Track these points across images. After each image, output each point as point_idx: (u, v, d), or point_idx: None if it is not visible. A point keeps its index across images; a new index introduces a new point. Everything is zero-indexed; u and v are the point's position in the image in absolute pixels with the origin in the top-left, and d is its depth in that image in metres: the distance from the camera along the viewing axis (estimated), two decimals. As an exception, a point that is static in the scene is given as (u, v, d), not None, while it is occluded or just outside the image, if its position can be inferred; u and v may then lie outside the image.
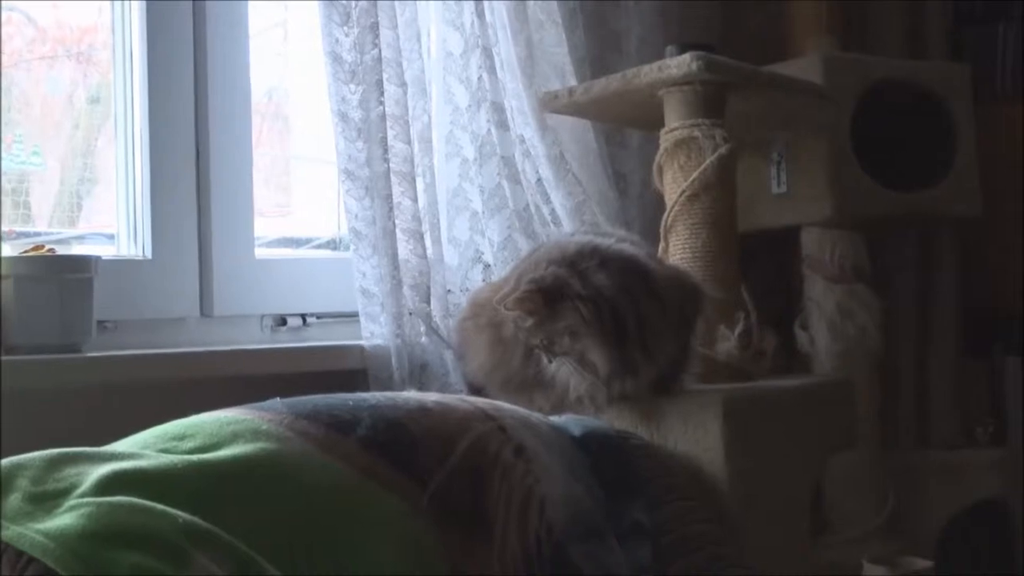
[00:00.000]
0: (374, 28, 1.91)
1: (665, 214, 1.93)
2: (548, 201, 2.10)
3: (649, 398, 1.65)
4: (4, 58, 1.78)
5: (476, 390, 1.73)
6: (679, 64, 1.87)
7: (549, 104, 2.08)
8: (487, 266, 2.10)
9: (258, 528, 1.11)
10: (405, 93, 1.97)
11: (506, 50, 2.08)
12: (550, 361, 1.62)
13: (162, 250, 1.88)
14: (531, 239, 2.08)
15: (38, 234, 1.85)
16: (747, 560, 1.54)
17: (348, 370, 1.89)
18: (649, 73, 1.92)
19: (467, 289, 2.08)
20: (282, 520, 1.14)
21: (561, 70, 2.15)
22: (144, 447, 1.19)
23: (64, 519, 1.00)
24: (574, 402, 1.63)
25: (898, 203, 2.28)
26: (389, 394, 1.42)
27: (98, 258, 1.72)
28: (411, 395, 1.43)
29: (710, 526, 1.53)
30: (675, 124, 1.92)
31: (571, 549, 1.34)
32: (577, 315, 1.55)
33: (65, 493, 1.05)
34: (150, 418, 1.29)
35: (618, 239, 1.68)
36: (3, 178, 1.79)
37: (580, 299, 1.55)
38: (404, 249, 1.94)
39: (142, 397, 1.67)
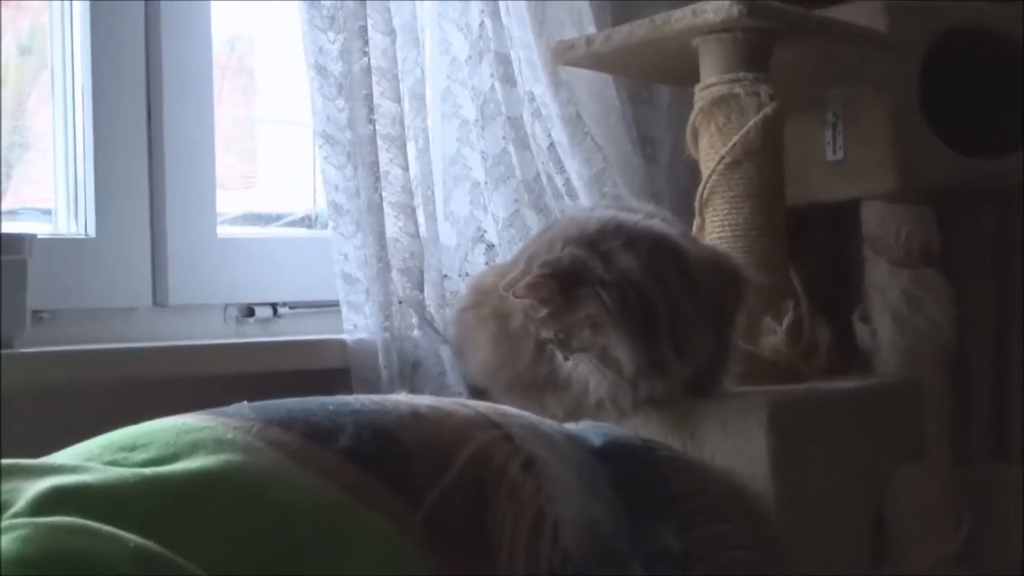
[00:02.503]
0: (357, -35, 1.91)
1: (701, 185, 1.93)
2: (562, 170, 2.10)
3: (682, 402, 1.65)
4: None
5: (478, 392, 1.73)
6: (717, 8, 1.86)
7: (563, 55, 2.08)
8: (491, 246, 2.10)
9: (221, 554, 1.11)
10: (393, 42, 1.96)
11: (513, -9, 2.08)
12: (566, 358, 1.62)
13: (108, 228, 1.88)
14: (542, 214, 2.08)
15: (-40, 209, 1.86)
16: (797, 593, 1.55)
17: (327, 369, 1.89)
18: (682, 19, 1.91)
19: (467, 273, 2.08)
20: (249, 545, 1.14)
21: (578, 15, 2.14)
22: (88, 459, 1.19)
23: (-5, 543, 1.00)
24: (594, 406, 1.63)
25: (974, 172, 2.27)
26: (376, 397, 1.42)
27: (32, 237, 1.72)
28: (401, 398, 1.43)
29: (752, 553, 1.54)
30: (712, 79, 1.92)
31: (589, 579, 1.34)
32: (599, 303, 1.55)
33: (-5, 513, 1.05)
34: (95, 424, 1.29)
35: (646, 215, 1.68)
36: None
37: (602, 285, 1.55)
38: (393, 226, 1.94)
39: (85, 400, 1.67)
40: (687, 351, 1.61)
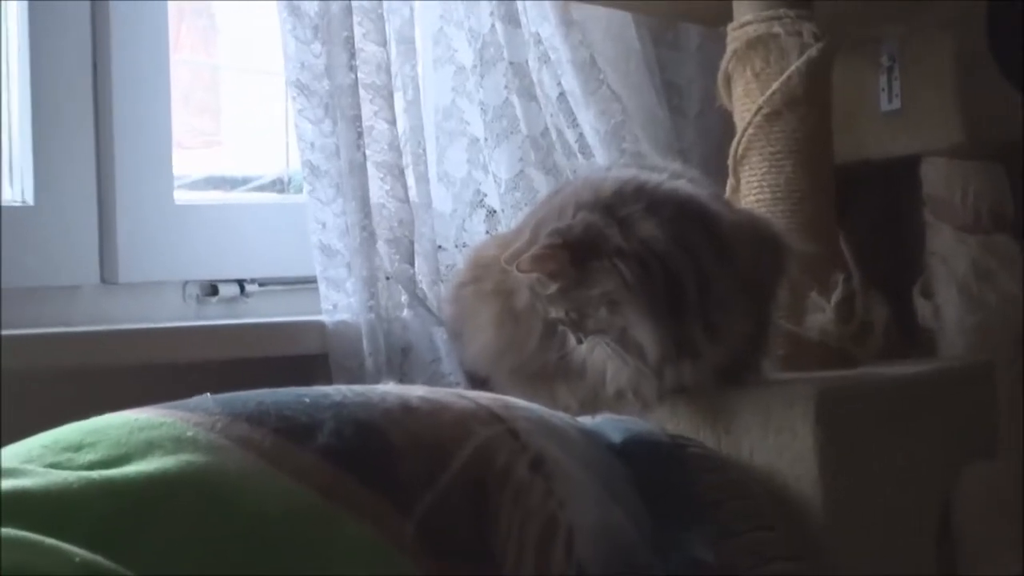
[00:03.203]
0: None
1: (735, 140, 1.93)
2: (574, 123, 2.10)
3: (715, 391, 1.65)
4: None
5: (478, 381, 1.74)
6: (753, -66, 1.87)
7: (575, -10, 2.08)
8: (491, 212, 2.10)
9: (181, 568, 1.11)
10: (378, -25, 1.97)
11: (515, -84, 2.08)
12: (580, 341, 1.62)
13: (48, 194, 1.88)
14: (551, 175, 2.08)
15: None
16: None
17: (303, 355, 1.90)
18: (713, -53, 1.92)
19: (465, 244, 2.09)
20: (213, 558, 1.14)
21: (591, -56, 2.14)
22: (27, 460, 1.18)
23: (-81, 559, 1.00)
24: (612, 397, 1.64)
25: (1053, 123, 2.27)
26: (359, 388, 1.41)
27: (-40, 205, 1.73)
28: (390, 389, 1.42)
29: (798, 565, 1.54)
30: (748, 17, 1.91)
31: (609, 597, 1.34)
32: (616, 278, 1.55)
33: (-80, 524, 1.05)
34: (35, 420, 1.29)
35: (671, 175, 1.68)
36: None
37: (620, 256, 1.55)
38: (378, 190, 1.94)
39: (23, 392, 1.67)
40: (720, 332, 1.61)
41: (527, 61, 2.11)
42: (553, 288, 1.59)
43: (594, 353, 1.63)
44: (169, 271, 1.98)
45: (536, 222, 1.64)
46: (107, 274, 1.92)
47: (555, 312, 1.61)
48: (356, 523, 1.22)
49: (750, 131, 1.91)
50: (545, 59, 2.10)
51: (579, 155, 2.10)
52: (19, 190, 1.88)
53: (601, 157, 2.08)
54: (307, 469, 1.23)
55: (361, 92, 1.92)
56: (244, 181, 2.18)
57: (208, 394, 1.33)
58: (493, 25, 2.10)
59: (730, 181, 1.93)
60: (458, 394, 1.47)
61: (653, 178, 1.65)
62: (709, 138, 2.23)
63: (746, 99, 1.92)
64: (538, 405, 1.51)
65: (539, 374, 1.68)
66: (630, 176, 1.65)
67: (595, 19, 2.15)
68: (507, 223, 2.05)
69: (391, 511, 1.25)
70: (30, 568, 1.00)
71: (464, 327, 1.78)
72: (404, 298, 1.96)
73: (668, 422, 1.64)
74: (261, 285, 2.05)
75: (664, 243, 1.57)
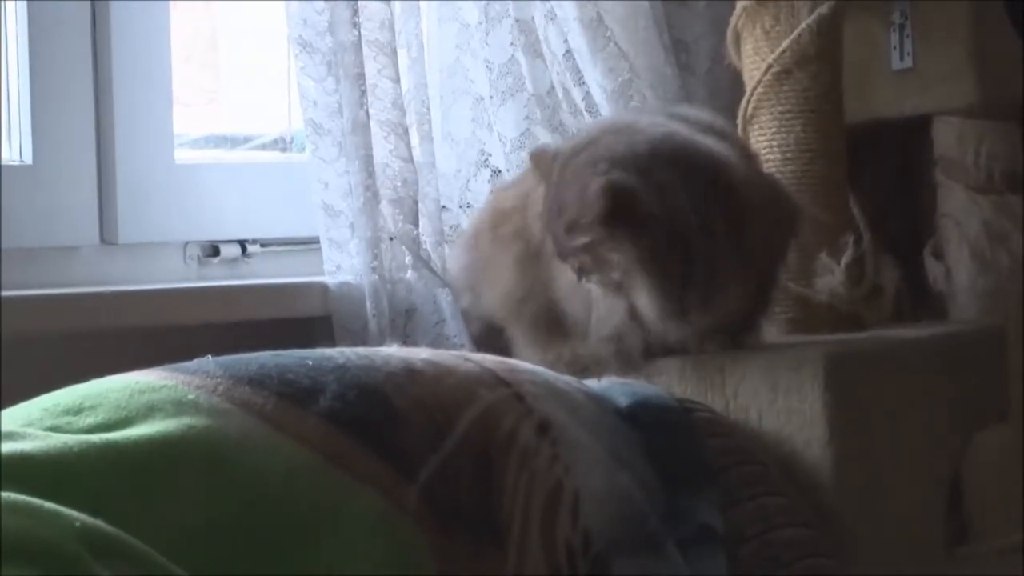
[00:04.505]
0: None
1: (744, 99, 1.93)
2: (581, 81, 2.09)
3: (719, 353, 1.65)
4: None
5: (489, 336, 1.74)
6: None
7: (582, -55, 2.07)
8: (496, 172, 2.10)
9: (183, 533, 1.11)
10: (381, -71, 1.96)
11: None
12: (580, 280, 1.62)
13: (47, 153, 1.88)
14: (557, 134, 2.08)
15: None
16: (858, 577, 1.55)
17: (305, 317, 1.90)
18: (721, -101, 1.91)
19: (469, 204, 2.08)
20: (216, 522, 1.14)
21: None
22: (27, 424, 1.19)
23: (-82, 523, 1.00)
24: (596, 343, 1.65)
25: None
26: (363, 350, 1.42)
27: (-43, 164, 1.72)
28: (393, 352, 1.43)
29: (806, 531, 1.54)
30: (758, -29, 1.91)
31: (616, 564, 1.35)
32: (642, 248, 1.55)
33: (-81, 488, 1.05)
34: (34, 383, 1.29)
35: (700, 127, 1.67)
36: None
37: (650, 226, 1.55)
38: (382, 149, 1.94)
39: (21, 354, 1.67)
40: (713, 303, 1.62)
41: (533, 18, 2.10)
42: (582, 240, 1.59)
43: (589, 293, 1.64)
44: (170, 231, 1.97)
45: (577, 183, 1.62)
46: (107, 234, 1.92)
47: (570, 260, 1.62)
48: (359, 488, 1.22)
49: (760, 90, 1.91)
50: (552, 16, 2.09)
51: (586, 114, 2.09)
52: (17, 149, 1.88)
53: (608, 115, 2.07)
54: (310, 433, 1.24)
55: (364, 49, 1.91)
56: (245, 140, 2.17)
57: (209, 356, 1.33)
58: (499, -19, 2.10)
59: (739, 140, 1.93)
60: (463, 357, 1.47)
61: (685, 138, 1.64)
62: (718, 96, 2.22)
63: (756, 57, 1.92)
64: (544, 369, 1.52)
65: (559, 323, 1.69)
66: (662, 134, 1.64)
67: (602, -25, 2.15)
68: (512, 183, 2.05)
69: (395, 476, 1.25)
70: (30, 532, 1.00)
71: (481, 275, 1.79)
72: (408, 259, 1.95)
73: (676, 386, 1.64)
74: (263, 246, 2.04)
75: (688, 225, 1.57)
